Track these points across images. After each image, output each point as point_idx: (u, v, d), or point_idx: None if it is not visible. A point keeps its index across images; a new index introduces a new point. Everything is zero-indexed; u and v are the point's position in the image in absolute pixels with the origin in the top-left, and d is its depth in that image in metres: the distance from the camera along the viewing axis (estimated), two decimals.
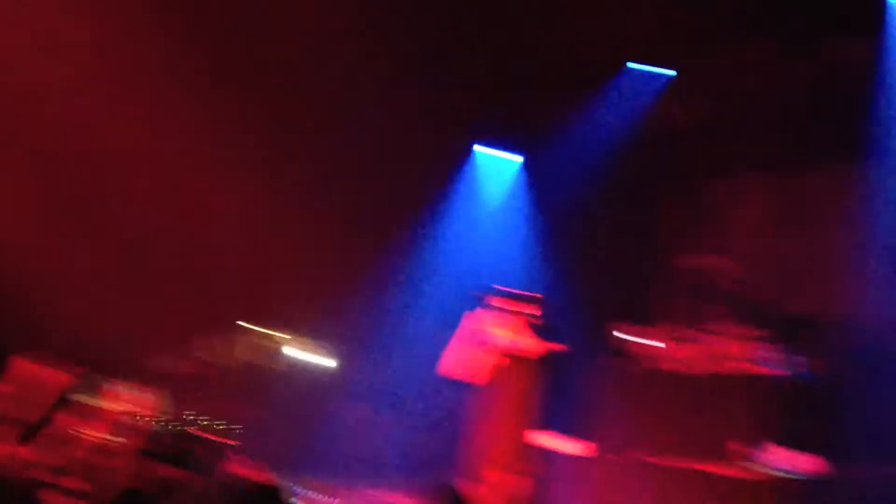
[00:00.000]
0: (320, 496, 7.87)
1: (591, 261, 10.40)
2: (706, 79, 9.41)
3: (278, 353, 11.07)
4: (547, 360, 5.45)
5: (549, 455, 8.08)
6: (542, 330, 5.54)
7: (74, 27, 8.61)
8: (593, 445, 7.95)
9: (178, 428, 7.51)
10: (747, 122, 9.21)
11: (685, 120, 9.61)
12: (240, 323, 11.19)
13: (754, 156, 9.44)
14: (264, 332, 11.23)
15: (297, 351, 11.13)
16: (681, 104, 9.57)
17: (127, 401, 4.19)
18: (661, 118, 9.77)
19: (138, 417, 9.28)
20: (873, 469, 6.90)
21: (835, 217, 8.75)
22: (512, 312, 5.55)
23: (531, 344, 5.44)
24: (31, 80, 8.70)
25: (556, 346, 5.51)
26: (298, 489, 5.71)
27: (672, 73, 9.69)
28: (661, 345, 7.96)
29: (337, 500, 7.08)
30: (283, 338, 11.35)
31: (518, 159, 11.37)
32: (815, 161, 9.02)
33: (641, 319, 9.28)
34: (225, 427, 9.70)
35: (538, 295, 5.74)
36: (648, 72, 9.74)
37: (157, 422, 9.26)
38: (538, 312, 5.51)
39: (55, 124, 9.02)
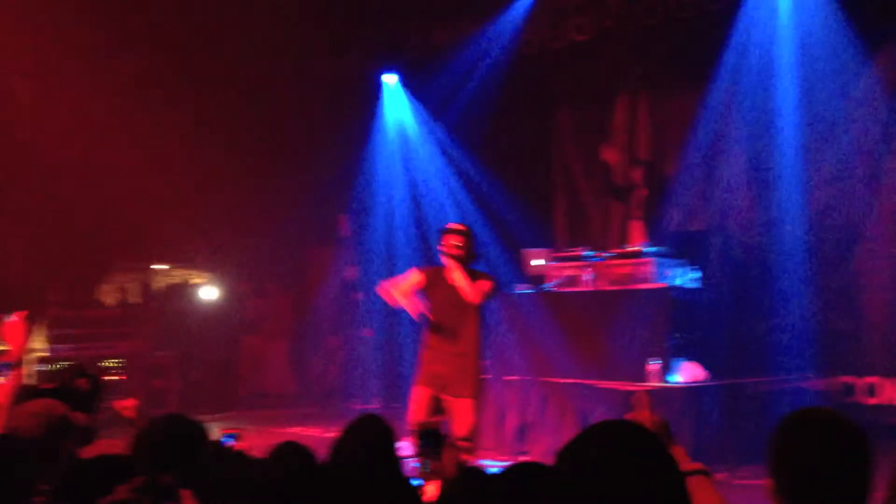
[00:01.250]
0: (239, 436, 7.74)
1: (490, 181, 10.41)
2: None
3: (185, 290, 10.89)
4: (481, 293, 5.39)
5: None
6: (471, 262, 5.48)
7: None
8: (493, 368, 8.03)
9: (68, 364, 7.28)
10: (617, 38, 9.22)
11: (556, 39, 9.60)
12: (151, 265, 10.98)
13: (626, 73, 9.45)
14: (171, 270, 11.03)
15: (203, 288, 10.96)
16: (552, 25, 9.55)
17: (26, 333, 3.93)
18: (534, 38, 9.75)
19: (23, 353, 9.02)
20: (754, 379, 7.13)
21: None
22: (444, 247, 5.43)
23: (463, 280, 5.36)
24: None
25: (486, 279, 5.45)
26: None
27: None
28: (560, 267, 7.98)
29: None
30: (191, 275, 11.16)
31: (393, 79, 11.21)
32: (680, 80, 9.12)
33: (546, 243, 9.39)
34: (122, 364, 9.54)
35: (461, 226, 5.64)
36: None
37: (45, 359, 9.04)
38: (463, 243, 5.43)
39: None
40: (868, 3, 7.84)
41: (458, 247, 5.42)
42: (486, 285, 5.44)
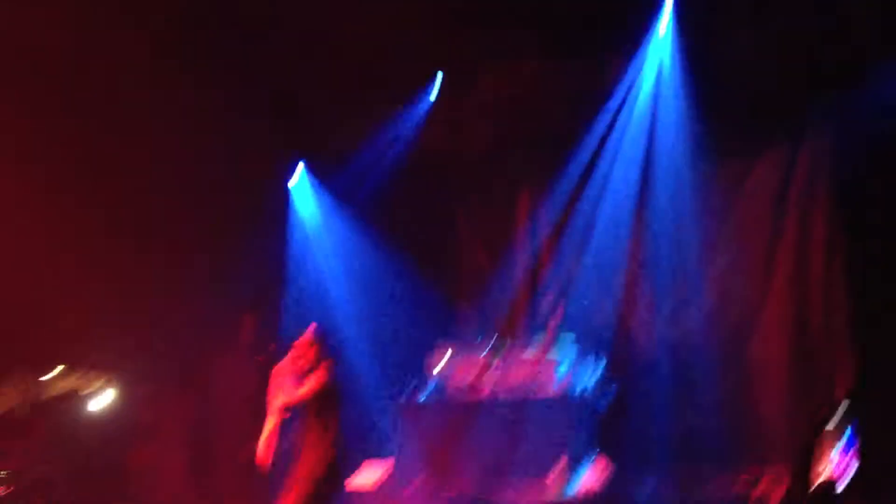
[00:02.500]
0: None
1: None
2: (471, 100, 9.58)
3: (74, 398, 10.44)
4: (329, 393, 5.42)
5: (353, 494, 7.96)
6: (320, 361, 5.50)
7: None
8: (395, 477, 7.85)
9: None
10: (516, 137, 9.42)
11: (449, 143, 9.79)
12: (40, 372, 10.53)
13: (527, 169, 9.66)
14: (62, 377, 10.58)
15: (93, 394, 10.52)
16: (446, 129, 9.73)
17: None
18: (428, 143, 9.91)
19: None
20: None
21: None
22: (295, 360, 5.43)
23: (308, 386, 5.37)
24: None
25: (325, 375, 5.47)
26: None
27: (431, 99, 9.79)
28: (469, 371, 7.91)
29: None
30: (83, 381, 10.72)
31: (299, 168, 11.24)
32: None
33: (451, 336, 9.32)
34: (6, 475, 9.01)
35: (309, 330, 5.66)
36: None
37: None
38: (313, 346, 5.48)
39: None
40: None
41: None
42: None
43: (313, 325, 5.82)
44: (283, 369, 5.68)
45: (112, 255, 9.87)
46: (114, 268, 10.01)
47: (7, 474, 8.97)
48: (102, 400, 10.34)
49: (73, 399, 10.22)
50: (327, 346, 5.79)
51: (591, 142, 9.17)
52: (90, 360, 10.55)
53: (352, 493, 8.03)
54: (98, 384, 10.57)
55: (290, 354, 5.66)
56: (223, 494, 10.33)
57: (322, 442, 5.55)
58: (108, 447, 9.93)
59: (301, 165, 11.18)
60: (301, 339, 5.73)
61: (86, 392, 10.47)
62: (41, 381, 10.50)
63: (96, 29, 8.29)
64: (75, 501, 9.21)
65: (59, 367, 10.64)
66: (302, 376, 5.64)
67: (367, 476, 8.09)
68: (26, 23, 8.35)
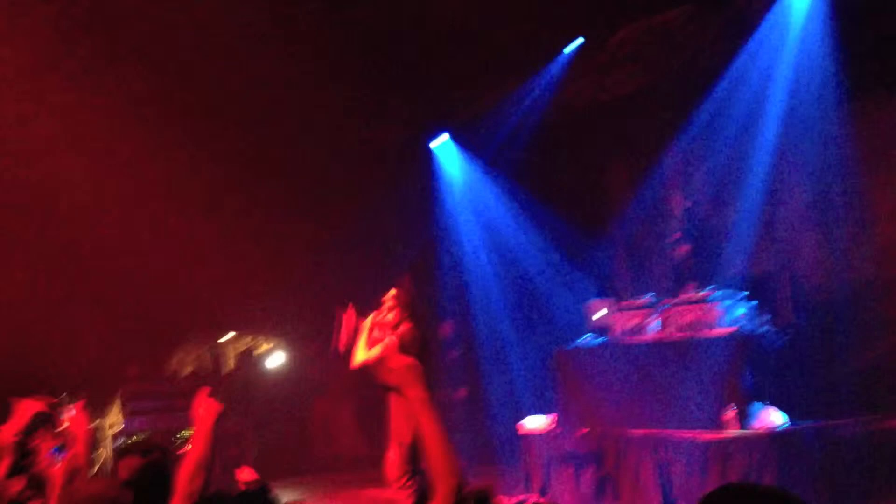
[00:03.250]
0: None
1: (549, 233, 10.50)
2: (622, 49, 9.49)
3: (252, 357, 11.05)
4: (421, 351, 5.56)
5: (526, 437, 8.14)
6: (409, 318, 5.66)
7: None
8: (565, 421, 7.98)
9: (145, 440, 7.42)
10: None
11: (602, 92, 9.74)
12: (220, 335, 11.19)
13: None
14: (238, 338, 11.21)
15: (266, 354, 11.10)
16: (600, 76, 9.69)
17: (85, 420, 4.09)
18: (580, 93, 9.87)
19: (104, 433, 9.22)
20: (835, 422, 6.94)
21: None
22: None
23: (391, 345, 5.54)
24: None
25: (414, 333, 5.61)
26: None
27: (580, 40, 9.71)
28: (625, 317, 7.93)
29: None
30: (258, 341, 11.32)
31: (444, 138, 11.43)
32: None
33: (609, 293, 9.36)
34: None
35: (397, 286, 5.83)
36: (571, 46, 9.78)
37: (120, 433, 9.21)
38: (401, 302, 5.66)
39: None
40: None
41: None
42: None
43: (403, 282, 5.92)
44: (373, 322, 5.79)
45: (270, 226, 10.41)
46: (273, 237, 10.55)
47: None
48: (276, 359, 10.97)
49: (249, 358, 10.89)
50: (415, 306, 5.86)
51: (733, 82, 8.98)
52: (257, 325, 11.19)
53: (522, 437, 8.25)
54: (269, 345, 11.20)
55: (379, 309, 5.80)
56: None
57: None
58: (287, 402, 10.54)
59: (446, 135, 11.47)
60: (388, 294, 5.86)
61: (259, 352, 11.13)
62: (219, 342, 11.21)
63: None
64: (262, 451, 9.83)
65: (231, 333, 11.34)
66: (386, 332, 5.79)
67: (536, 421, 8.27)
68: None
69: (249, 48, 8.75)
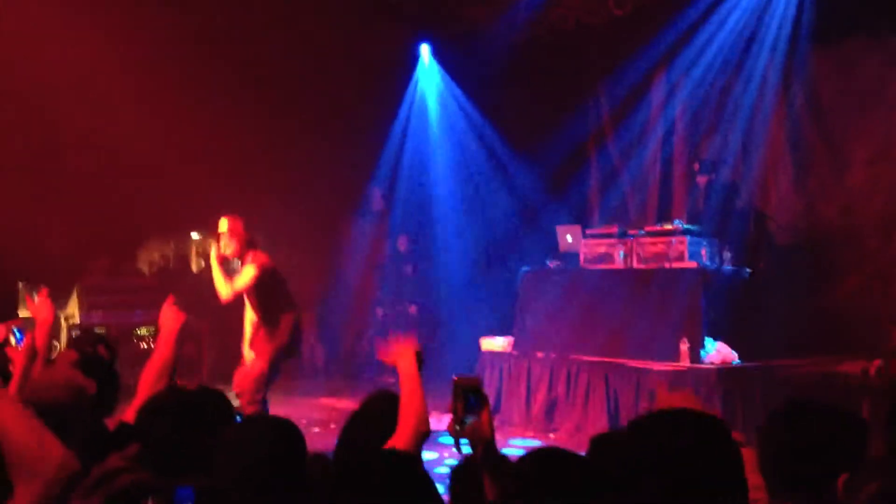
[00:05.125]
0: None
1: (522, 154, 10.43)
2: None
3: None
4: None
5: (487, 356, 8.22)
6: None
7: None
8: (521, 343, 8.04)
9: (85, 332, 7.37)
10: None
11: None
12: (188, 232, 11.09)
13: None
14: (205, 239, 11.10)
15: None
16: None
17: (48, 307, 4.08)
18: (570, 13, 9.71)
19: (59, 325, 9.17)
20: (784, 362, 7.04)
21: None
22: None
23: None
24: None
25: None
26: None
27: None
28: (593, 244, 7.92)
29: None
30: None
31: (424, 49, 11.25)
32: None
33: (579, 219, 9.36)
34: (154, 332, 9.65)
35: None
36: None
37: (77, 325, 9.17)
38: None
39: None
40: None
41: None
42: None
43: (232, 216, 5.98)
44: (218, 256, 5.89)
45: (250, 135, 10.24)
46: (253, 145, 10.40)
47: (155, 330, 9.63)
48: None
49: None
50: (250, 232, 5.97)
51: (726, 19, 8.87)
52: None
53: (480, 355, 8.32)
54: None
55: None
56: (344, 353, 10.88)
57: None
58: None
59: (426, 47, 11.25)
60: (222, 225, 5.93)
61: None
62: (184, 241, 11.11)
63: None
64: (219, 353, 9.86)
65: (195, 233, 11.23)
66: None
67: (494, 342, 8.32)
68: None
69: None
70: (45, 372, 3.68)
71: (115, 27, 8.99)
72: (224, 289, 5.83)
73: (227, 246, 5.91)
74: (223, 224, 5.94)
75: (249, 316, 6.13)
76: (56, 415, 2.62)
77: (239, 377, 6.01)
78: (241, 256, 5.95)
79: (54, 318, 4.19)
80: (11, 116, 9.25)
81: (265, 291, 5.95)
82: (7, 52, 8.48)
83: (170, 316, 3.49)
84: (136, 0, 9.22)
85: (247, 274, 5.85)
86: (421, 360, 2.92)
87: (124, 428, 2.86)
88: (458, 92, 11.18)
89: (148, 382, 3.28)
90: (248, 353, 6.09)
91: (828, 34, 8.20)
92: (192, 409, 2.68)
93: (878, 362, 6.68)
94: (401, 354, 2.95)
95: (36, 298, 4.11)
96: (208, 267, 6.10)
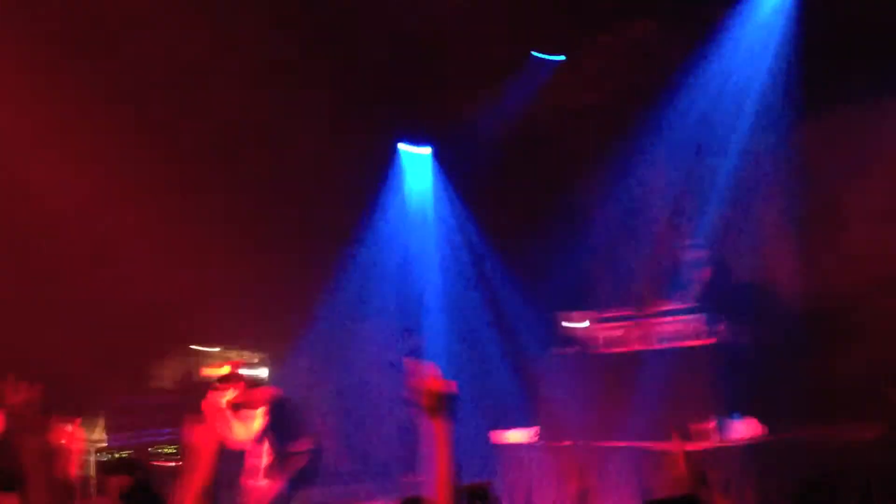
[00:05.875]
0: None
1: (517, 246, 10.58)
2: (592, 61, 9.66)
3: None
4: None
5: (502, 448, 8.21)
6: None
7: None
8: (545, 433, 8.05)
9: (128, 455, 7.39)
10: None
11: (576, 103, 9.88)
12: (191, 346, 11.11)
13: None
14: (223, 352, 11.13)
15: (253, 370, 11.06)
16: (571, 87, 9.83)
17: (73, 435, 4.12)
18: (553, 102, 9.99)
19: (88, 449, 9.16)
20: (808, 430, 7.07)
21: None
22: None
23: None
24: None
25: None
26: None
27: (560, 58, 9.95)
28: (604, 328, 8.03)
29: None
30: (241, 356, 11.25)
31: (426, 151, 11.52)
32: None
33: (583, 305, 9.44)
34: (179, 450, 9.61)
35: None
36: (543, 59, 9.98)
37: (102, 449, 9.15)
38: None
39: None
40: None
41: None
42: None
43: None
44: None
45: (247, 254, 10.35)
46: (245, 260, 10.50)
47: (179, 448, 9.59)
48: (260, 374, 10.93)
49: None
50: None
51: (702, 93, 9.19)
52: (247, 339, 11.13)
53: (502, 448, 8.30)
54: (256, 358, 11.16)
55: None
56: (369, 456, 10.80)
57: None
58: None
59: (403, 146, 11.51)
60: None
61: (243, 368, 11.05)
62: (206, 352, 11.12)
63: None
64: None
65: (215, 347, 11.27)
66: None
67: (517, 434, 8.32)
68: None
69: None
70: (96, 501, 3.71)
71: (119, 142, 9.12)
72: (242, 434, 5.91)
73: (233, 392, 6.02)
74: (226, 370, 6.05)
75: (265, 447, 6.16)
76: None
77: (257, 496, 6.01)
78: (248, 398, 6.06)
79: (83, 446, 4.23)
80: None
81: (280, 424, 6.04)
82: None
83: (205, 435, 3.41)
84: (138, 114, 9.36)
85: (259, 416, 5.94)
86: (451, 404, 2.82)
87: None
88: (444, 185, 11.41)
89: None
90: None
91: (816, 103, 8.43)
92: None
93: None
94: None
95: (69, 427, 4.14)
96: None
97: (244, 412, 6.15)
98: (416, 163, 11.68)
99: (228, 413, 5.88)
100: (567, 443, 7.76)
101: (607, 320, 8.08)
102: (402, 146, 11.48)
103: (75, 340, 9.75)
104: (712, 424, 6.81)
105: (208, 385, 10.89)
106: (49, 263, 9.66)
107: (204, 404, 5.99)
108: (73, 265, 9.76)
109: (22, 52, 8.27)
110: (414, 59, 9.67)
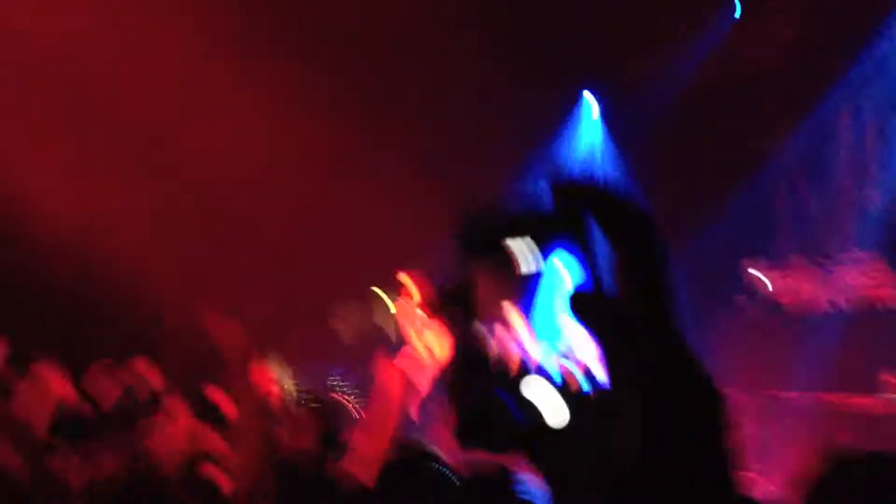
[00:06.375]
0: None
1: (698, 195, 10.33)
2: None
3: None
4: None
5: None
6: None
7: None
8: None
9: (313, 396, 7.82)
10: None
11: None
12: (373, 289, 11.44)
13: None
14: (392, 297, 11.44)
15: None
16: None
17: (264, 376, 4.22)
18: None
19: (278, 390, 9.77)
20: None
21: None
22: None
23: None
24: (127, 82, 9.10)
25: None
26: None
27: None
28: (788, 277, 7.79)
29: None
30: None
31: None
32: None
33: (768, 255, 9.14)
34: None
35: None
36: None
37: (291, 392, 9.72)
38: None
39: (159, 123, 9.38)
40: None
41: None
42: None
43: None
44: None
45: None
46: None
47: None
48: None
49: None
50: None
51: None
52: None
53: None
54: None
55: None
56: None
57: None
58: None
59: (588, 95, 11.38)
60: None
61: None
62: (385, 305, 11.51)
63: None
64: None
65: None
66: None
67: None
68: None
69: None
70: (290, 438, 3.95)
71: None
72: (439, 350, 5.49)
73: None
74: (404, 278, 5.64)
75: None
76: None
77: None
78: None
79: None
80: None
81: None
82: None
83: (390, 375, 3.25)
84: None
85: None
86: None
87: None
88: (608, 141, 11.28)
89: (371, 441, 3.19)
90: None
91: None
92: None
93: None
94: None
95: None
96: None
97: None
98: (589, 115, 11.60)
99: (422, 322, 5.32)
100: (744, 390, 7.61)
101: (790, 269, 7.82)
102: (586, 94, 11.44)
103: (266, 283, 10.30)
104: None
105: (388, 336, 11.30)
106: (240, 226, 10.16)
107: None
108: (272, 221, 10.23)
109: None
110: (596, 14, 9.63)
